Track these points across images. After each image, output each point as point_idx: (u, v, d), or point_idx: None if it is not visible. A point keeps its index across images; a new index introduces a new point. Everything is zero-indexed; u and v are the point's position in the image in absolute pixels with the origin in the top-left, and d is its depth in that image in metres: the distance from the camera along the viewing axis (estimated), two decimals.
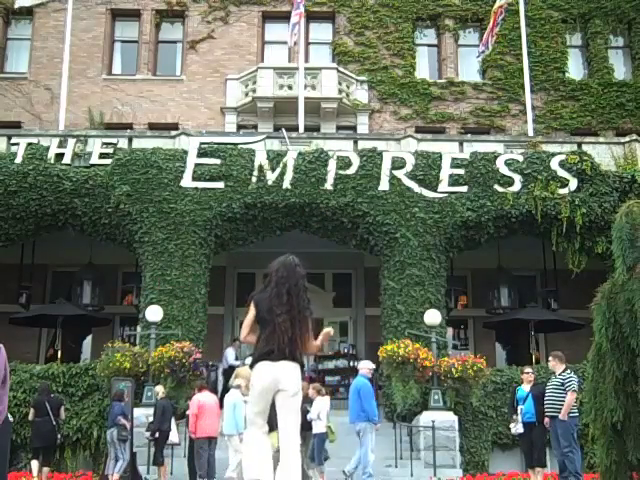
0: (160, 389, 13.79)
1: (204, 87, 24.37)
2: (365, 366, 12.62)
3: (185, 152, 17.13)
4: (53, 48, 24.11)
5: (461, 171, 17.10)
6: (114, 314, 20.01)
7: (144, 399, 14.82)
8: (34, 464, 13.53)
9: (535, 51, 24.41)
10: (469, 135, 20.41)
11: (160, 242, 16.53)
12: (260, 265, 20.61)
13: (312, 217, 17.07)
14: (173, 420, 13.72)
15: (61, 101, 21.09)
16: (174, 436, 13.39)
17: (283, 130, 18.58)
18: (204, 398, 12.64)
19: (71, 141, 17.39)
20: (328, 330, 5.70)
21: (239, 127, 23.62)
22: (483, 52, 22.33)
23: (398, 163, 17.13)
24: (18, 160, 16.86)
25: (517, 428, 11.97)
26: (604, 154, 18.01)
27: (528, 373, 12.58)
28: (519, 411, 12.01)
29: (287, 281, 5.64)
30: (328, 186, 16.83)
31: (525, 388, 12.30)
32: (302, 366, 5.61)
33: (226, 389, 14.66)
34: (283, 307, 5.54)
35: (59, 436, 13.94)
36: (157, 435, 12.96)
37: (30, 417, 13.98)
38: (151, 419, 13.46)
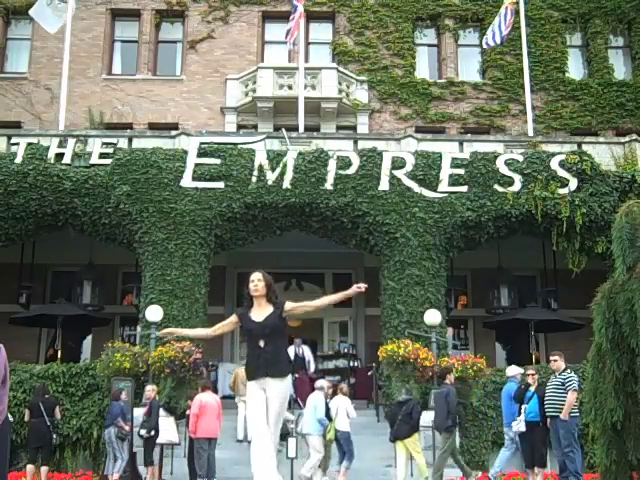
0: (151, 388, 13.72)
1: (204, 87, 24.37)
2: (517, 372, 13.10)
3: (185, 152, 17.12)
4: (53, 48, 24.10)
5: (461, 171, 17.09)
6: (114, 314, 20.00)
7: (144, 399, 14.81)
8: (29, 468, 13.52)
9: (535, 51, 24.41)
10: (469, 135, 20.39)
11: (160, 242, 16.52)
12: (260, 265, 20.63)
13: (312, 217, 17.06)
14: (173, 420, 13.72)
15: (61, 101, 21.07)
16: (174, 436, 13.39)
17: (283, 130, 18.57)
18: (206, 398, 12.65)
19: (71, 141, 17.38)
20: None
21: (239, 127, 23.62)
22: (494, 43, 22.18)
23: (398, 163, 17.13)
24: (18, 160, 16.85)
25: (519, 427, 11.96)
26: (604, 154, 18.01)
27: (533, 374, 12.59)
28: (522, 410, 12.01)
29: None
30: (328, 186, 16.82)
31: (531, 388, 12.31)
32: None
33: None
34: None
35: (55, 436, 13.96)
36: (153, 433, 12.94)
37: (26, 418, 14.04)
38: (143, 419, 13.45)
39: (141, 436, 13.05)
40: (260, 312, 6.23)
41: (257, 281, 6.29)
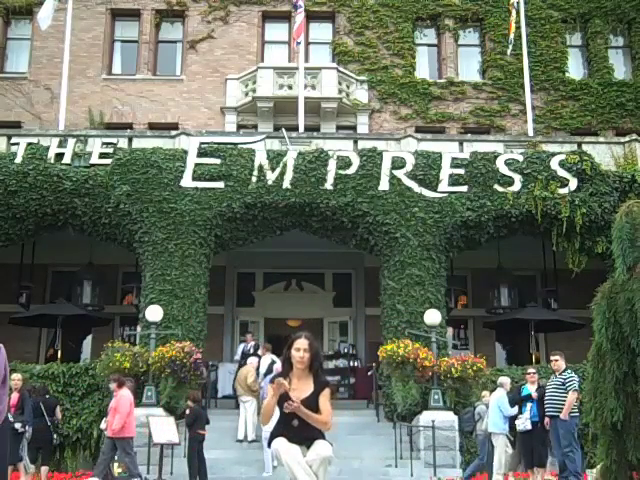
0: (17, 376, 12.91)
1: (204, 87, 24.37)
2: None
3: (185, 152, 17.12)
4: (53, 48, 24.11)
5: (461, 171, 17.09)
6: (114, 314, 20.02)
7: (144, 399, 14.82)
8: (29, 467, 13.46)
9: (535, 51, 24.42)
10: (469, 135, 20.40)
11: (160, 242, 16.52)
12: (260, 265, 20.79)
13: (312, 217, 17.06)
14: (173, 420, 13.67)
15: (61, 101, 21.09)
16: (174, 436, 13.34)
17: (283, 130, 18.57)
18: (130, 395, 12.05)
19: (71, 141, 17.38)
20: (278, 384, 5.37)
21: (239, 127, 23.62)
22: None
23: (398, 163, 17.13)
24: (18, 160, 16.86)
25: (525, 425, 11.93)
26: (604, 154, 18.01)
27: (531, 374, 12.59)
28: (528, 408, 12.00)
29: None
30: (328, 186, 16.82)
31: (530, 388, 12.30)
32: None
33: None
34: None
35: (55, 436, 13.92)
36: (27, 428, 12.45)
37: None
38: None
39: (15, 430, 12.20)
40: (300, 386, 5.48)
41: (303, 352, 5.46)
